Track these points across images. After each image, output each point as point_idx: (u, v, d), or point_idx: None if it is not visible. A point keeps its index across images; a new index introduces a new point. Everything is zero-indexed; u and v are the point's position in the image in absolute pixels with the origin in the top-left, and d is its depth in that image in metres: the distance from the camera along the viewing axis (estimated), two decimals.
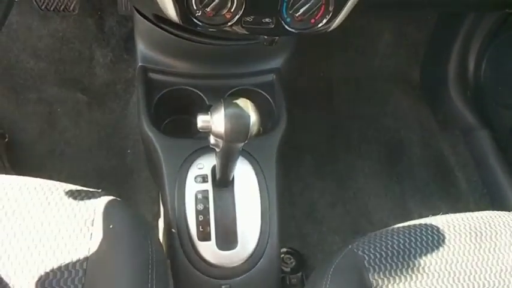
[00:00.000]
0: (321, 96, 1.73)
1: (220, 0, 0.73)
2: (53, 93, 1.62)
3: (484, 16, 1.67)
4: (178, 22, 0.78)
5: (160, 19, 1.06)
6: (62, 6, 1.50)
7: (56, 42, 1.68)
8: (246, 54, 1.17)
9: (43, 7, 1.51)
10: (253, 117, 0.68)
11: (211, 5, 0.74)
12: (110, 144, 1.56)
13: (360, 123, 1.78)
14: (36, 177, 0.81)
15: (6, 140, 1.44)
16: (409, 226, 0.84)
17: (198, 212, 0.98)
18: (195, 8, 0.76)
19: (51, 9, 1.51)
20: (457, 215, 0.87)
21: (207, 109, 0.72)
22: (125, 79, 1.68)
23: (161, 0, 0.76)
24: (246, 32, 0.81)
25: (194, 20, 0.77)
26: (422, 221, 0.86)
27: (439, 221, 0.86)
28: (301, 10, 0.78)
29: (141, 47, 1.17)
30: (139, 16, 1.11)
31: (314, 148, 1.62)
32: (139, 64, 1.17)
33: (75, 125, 1.59)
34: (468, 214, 0.87)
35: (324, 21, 0.81)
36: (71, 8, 1.51)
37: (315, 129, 1.65)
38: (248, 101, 0.72)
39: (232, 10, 0.77)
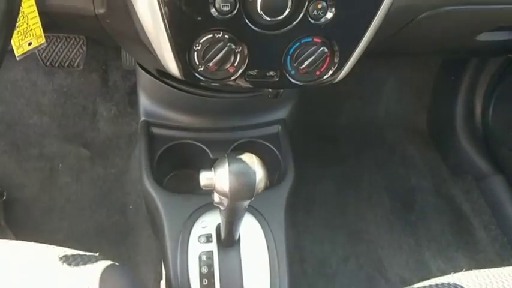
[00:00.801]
0: (328, 145, 1.71)
1: (223, 55, 0.71)
2: (54, 149, 1.60)
3: (488, 60, 1.67)
4: (180, 78, 0.76)
5: (163, 74, 1.05)
6: (67, 62, 1.52)
7: (60, 97, 1.68)
8: (250, 106, 1.15)
9: (48, 63, 1.53)
10: (260, 173, 0.64)
11: (214, 59, 0.72)
12: (111, 200, 1.51)
13: (369, 172, 1.73)
14: (34, 236, 0.76)
15: (4, 198, 1.39)
16: (430, 286, 0.77)
17: (202, 276, 0.91)
18: (197, 63, 0.74)
19: (56, 65, 1.52)
20: (484, 272, 0.79)
21: (211, 163, 0.68)
22: (128, 133, 1.66)
23: (163, 56, 0.74)
24: (250, 86, 0.79)
25: (197, 75, 0.75)
26: (445, 279, 0.79)
27: (463, 280, 0.78)
28: (306, 63, 0.75)
29: (144, 101, 1.16)
30: (142, 71, 1.10)
31: (323, 199, 1.57)
32: (142, 119, 1.15)
33: (76, 180, 1.55)
34: (495, 271, 0.79)
35: (330, 73, 0.78)
36: (76, 64, 1.52)
37: (323, 179, 1.60)
38: (253, 155, 0.68)
39: (235, 64, 0.75)
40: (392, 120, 1.90)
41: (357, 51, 0.77)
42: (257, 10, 0.68)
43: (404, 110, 1.92)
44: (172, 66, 0.74)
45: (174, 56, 0.72)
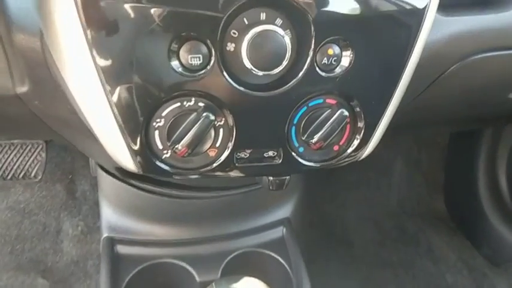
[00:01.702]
0: (340, 246, 1.48)
1: (197, 131, 0.48)
2: (2, 283, 1.28)
3: (505, 128, 1.51)
4: (138, 172, 0.52)
5: (127, 173, 0.80)
6: (22, 173, 1.27)
7: (15, 216, 1.41)
8: (243, 205, 0.90)
9: None
10: None
11: (185, 139, 0.48)
12: None
13: (395, 273, 1.46)
14: None
15: None
16: None
17: None
18: (160, 147, 0.50)
19: (9, 177, 1.27)
20: None
21: None
22: (98, 253, 1.36)
23: (109, 143, 0.51)
24: (242, 175, 0.54)
25: (161, 165, 0.51)
26: None
27: None
28: (319, 135, 0.52)
29: (107, 212, 0.90)
30: (102, 172, 0.86)
31: None
32: (104, 235, 0.88)
33: None
34: None
35: (353, 146, 0.55)
36: (33, 175, 1.29)
37: (343, 285, 1.31)
38: (255, 280, 0.43)
39: (217, 144, 0.51)
40: (407, 207, 1.72)
41: (387, 112, 0.54)
42: (242, 61, 0.46)
43: (418, 194, 1.75)
44: (123, 156, 0.51)
45: (125, 141, 0.49)
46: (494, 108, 0.96)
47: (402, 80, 0.53)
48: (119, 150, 0.50)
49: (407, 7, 0.50)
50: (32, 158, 1.27)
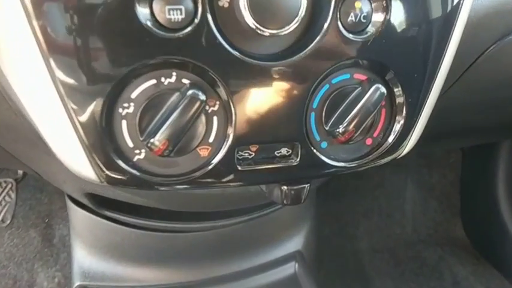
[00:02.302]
0: (354, 278, 1.39)
1: (178, 119, 0.34)
2: None
3: None
4: (98, 181, 0.37)
5: (101, 202, 0.65)
6: None
7: None
8: (248, 238, 0.74)
9: None
10: None
11: (162, 130, 0.34)
12: None
13: None
14: None
15: None
16: None
17: None
18: (130, 144, 0.35)
19: None
20: None
21: None
22: None
23: (56, 142, 0.36)
24: (245, 183, 0.40)
25: (132, 171, 0.36)
26: None
27: None
28: (347, 120, 0.38)
29: (80, 255, 0.74)
30: (72, 204, 0.71)
31: None
32: (76, 284, 0.72)
33: None
34: None
35: (393, 136, 0.41)
36: (0, 219, 1.11)
37: None
38: None
39: (211, 140, 0.37)
40: (423, 234, 1.59)
41: (432, 91, 0.41)
42: (241, 18, 0.33)
43: (433, 220, 1.62)
44: (79, 161, 0.36)
45: (78, 136, 0.34)
46: None
47: (450, 45, 0.40)
48: (74, 154, 0.36)
49: None
50: None
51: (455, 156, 1.60)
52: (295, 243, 0.79)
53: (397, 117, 0.41)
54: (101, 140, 0.34)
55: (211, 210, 0.66)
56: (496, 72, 0.62)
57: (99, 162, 0.35)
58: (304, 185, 0.42)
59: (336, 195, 1.46)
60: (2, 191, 1.12)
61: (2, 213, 1.12)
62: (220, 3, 0.34)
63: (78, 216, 0.73)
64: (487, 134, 1.20)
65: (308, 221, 0.83)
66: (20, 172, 1.22)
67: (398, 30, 0.38)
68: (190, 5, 0.33)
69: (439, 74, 0.41)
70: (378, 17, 0.37)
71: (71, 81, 0.32)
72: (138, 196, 0.59)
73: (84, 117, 0.33)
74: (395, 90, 0.40)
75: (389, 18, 0.37)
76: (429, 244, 1.56)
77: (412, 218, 1.58)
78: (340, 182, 1.47)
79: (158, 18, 0.32)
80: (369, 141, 0.42)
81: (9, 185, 1.12)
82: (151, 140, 0.34)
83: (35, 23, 0.31)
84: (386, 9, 0.37)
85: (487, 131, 1.12)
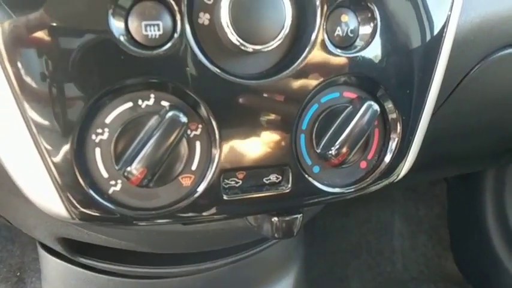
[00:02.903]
0: None
1: (158, 144, 0.31)
2: None
3: (507, 168, 1.42)
4: (73, 220, 0.33)
5: (75, 247, 0.60)
6: None
7: None
8: (234, 282, 0.69)
9: None
10: None
11: (139, 157, 0.30)
12: None
13: None
14: None
15: None
16: None
17: None
18: (104, 174, 0.32)
19: None
20: None
21: None
22: None
23: (23, 178, 0.32)
24: (233, 214, 0.36)
25: (108, 204, 0.32)
26: None
27: None
28: (340, 141, 0.36)
29: None
30: (43, 251, 0.65)
31: None
32: None
33: None
34: None
35: (389, 157, 0.39)
36: None
37: None
38: None
39: (193, 167, 0.34)
40: (414, 271, 1.54)
41: (426, 107, 0.39)
42: (222, 34, 0.31)
43: (424, 256, 1.58)
44: (47, 195, 0.32)
45: (48, 170, 0.30)
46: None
47: (440, 60, 0.39)
48: (42, 188, 0.32)
49: None
50: None
51: (440, 188, 1.60)
52: (284, 285, 0.75)
53: (391, 135, 0.38)
54: (72, 171, 0.30)
55: (195, 251, 0.61)
56: (481, 94, 0.62)
57: (70, 198, 0.31)
58: (296, 216, 0.39)
59: (323, 234, 1.42)
60: None
61: None
62: (200, 21, 0.32)
63: (51, 265, 0.67)
64: (473, 162, 1.19)
65: (297, 262, 0.78)
66: None
67: (387, 44, 0.36)
68: (169, 20, 0.30)
69: (431, 89, 0.40)
70: (365, 31, 0.36)
71: (40, 109, 0.29)
72: (115, 238, 0.54)
73: (54, 149, 0.30)
74: (388, 106, 0.38)
75: (377, 32, 0.36)
76: (421, 281, 1.52)
77: (401, 255, 1.55)
78: (326, 220, 1.44)
79: (134, 34, 0.30)
80: (363, 164, 0.40)
81: None
82: (128, 169, 0.30)
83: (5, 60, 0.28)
84: (374, 22, 0.36)
85: (473, 158, 1.12)
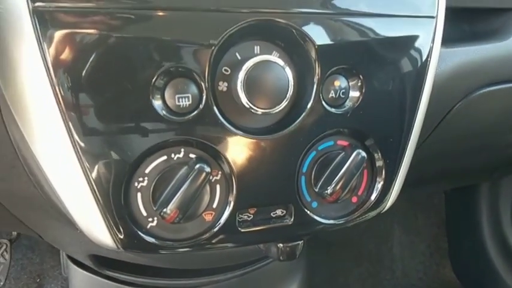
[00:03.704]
0: None
1: (188, 190, 0.38)
2: None
3: (500, 183, 1.46)
4: (117, 249, 0.41)
5: (103, 262, 0.68)
6: None
7: None
8: None
9: None
10: None
11: (173, 201, 0.38)
12: None
13: None
14: None
15: None
16: None
17: None
18: (144, 213, 0.40)
19: None
20: None
21: None
22: None
23: (80, 215, 0.40)
24: (246, 243, 0.44)
25: (146, 237, 0.40)
26: None
27: None
28: (334, 183, 0.44)
29: None
30: (73, 265, 0.72)
31: None
32: None
33: None
34: None
35: (375, 195, 0.46)
36: None
37: None
38: None
39: (214, 205, 0.42)
40: (413, 278, 1.59)
41: (408, 150, 0.47)
42: (238, 100, 0.39)
43: (423, 263, 1.63)
44: (98, 230, 0.40)
45: (100, 209, 0.38)
46: (500, 151, 0.91)
47: (419, 111, 0.47)
48: (93, 223, 0.40)
49: (413, 32, 0.45)
50: None
51: (438, 198, 1.64)
52: None
53: (377, 179, 0.46)
54: (120, 211, 0.38)
55: (209, 267, 0.69)
56: (465, 126, 0.69)
57: (117, 231, 0.39)
58: (298, 242, 0.47)
59: (325, 244, 1.47)
60: None
61: None
62: (220, 88, 0.40)
63: (79, 277, 0.74)
64: (465, 178, 1.25)
65: (301, 271, 0.85)
66: (14, 232, 1.22)
67: (372, 102, 0.44)
68: (196, 92, 0.38)
69: (411, 136, 0.47)
70: (354, 93, 0.44)
71: (95, 160, 0.37)
72: (140, 256, 0.62)
73: (104, 192, 0.38)
74: (375, 155, 0.46)
75: (364, 93, 0.43)
76: None
77: (401, 263, 1.58)
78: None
79: (169, 104, 0.38)
80: (354, 199, 0.47)
81: (4, 246, 1.13)
82: (164, 210, 0.38)
83: (66, 112, 0.36)
84: (361, 86, 0.43)
85: (465, 175, 1.18)
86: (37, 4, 0.34)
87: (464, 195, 1.53)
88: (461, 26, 0.65)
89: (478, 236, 1.48)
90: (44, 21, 0.35)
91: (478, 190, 1.48)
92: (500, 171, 1.28)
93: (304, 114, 0.42)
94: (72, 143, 0.37)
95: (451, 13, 0.51)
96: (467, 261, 1.55)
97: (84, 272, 0.73)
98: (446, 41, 0.53)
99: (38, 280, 1.34)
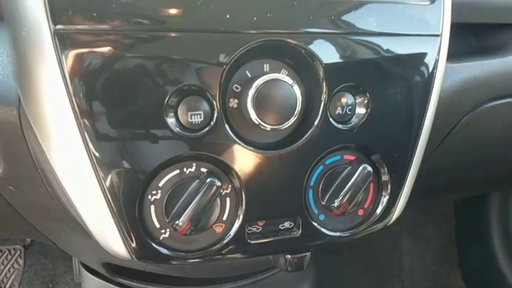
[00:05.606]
0: None
1: (199, 203, 0.40)
2: None
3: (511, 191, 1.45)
4: (130, 259, 0.42)
5: (115, 269, 0.69)
6: None
7: None
8: None
9: None
10: None
11: (185, 213, 0.40)
12: None
13: None
14: None
15: None
16: None
17: None
18: (157, 225, 0.41)
19: None
20: None
21: None
22: None
23: (95, 225, 0.42)
24: (255, 254, 0.45)
25: (159, 248, 0.42)
26: None
27: None
28: (341, 197, 0.45)
29: None
30: (86, 273, 0.74)
31: None
32: None
33: None
34: None
35: (381, 208, 0.47)
36: (8, 285, 1.13)
37: None
38: None
39: (224, 218, 0.43)
40: None
41: (413, 165, 0.48)
42: (248, 117, 0.40)
43: (432, 273, 1.62)
44: (113, 241, 0.42)
45: (115, 221, 0.40)
46: (509, 162, 0.91)
47: (424, 126, 0.48)
48: (108, 233, 0.41)
49: (419, 50, 0.46)
50: (8, 266, 1.13)
51: (447, 207, 1.64)
52: None
53: (383, 192, 0.47)
54: (134, 223, 0.40)
55: (219, 276, 0.70)
56: (472, 139, 0.70)
57: (130, 242, 0.41)
58: (305, 254, 0.48)
59: (334, 252, 1.47)
60: (11, 258, 1.15)
61: (10, 280, 1.14)
62: (230, 105, 0.42)
63: (92, 284, 0.76)
64: (474, 188, 1.25)
65: (310, 279, 0.86)
66: (28, 239, 1.25)
67: (378, 118, 0.45)
68: (208, 109, 0.40)
69: (417, 151, 0.48)
70: (361, 109, 0.45)
71: (111, 174, 0.39)
72: (152, 265, 0.64)
73: (119, 204, 0.40)
74: (381, 170, 0.47)
75: (370, 109, 0.45)
76: None
77: (410, 272, 1.57)
78: None
79: (182, 121, 0.39)
80: (360, 212, 0.48)
81: (18, 252, 1.15)
82: (176, 222, 0.40)
83: (83, 127, 0.38)
84: (367, 102, 0.45)
85: (474, 186, 1.18)
86: (58, 27, 0.36)
87: (474, 204, 1.52)
88: (468, 39, 0.66)
89: (488, 245, 1.47)
90: (63, 42, 0.37)
91: (487, 199, 1.47)
92: (510, 182, 1.28)
93: (311, 130, 0.43)
94: (89, 157, 0.39)
95: (459, 27, 0.52)
96: (477, 271, 1.54)
97: (97, 279, 0.75)
98: (453, 55, 0.54)
99: (51, 285, 1.36)
